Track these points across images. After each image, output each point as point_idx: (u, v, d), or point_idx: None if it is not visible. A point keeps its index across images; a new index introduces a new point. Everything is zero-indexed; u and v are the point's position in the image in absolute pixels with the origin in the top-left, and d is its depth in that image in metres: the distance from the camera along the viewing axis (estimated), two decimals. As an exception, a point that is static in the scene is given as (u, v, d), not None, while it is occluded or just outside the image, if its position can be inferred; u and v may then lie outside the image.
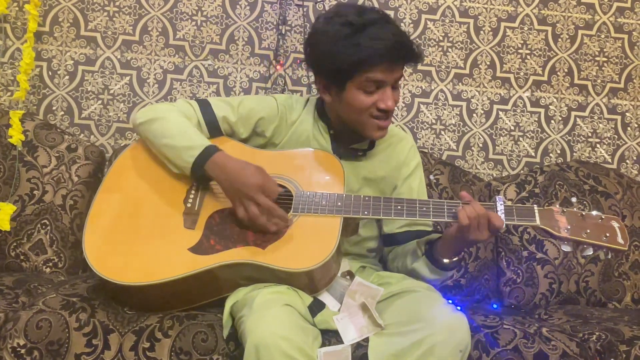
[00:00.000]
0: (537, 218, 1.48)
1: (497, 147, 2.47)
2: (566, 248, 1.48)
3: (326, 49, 1.52)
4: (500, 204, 1.49)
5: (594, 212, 1.49)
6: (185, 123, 1.57)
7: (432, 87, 2.44)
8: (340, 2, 2.34)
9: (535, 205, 1.50)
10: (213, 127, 1.63)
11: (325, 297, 1.51)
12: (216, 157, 1.51)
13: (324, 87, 1.59)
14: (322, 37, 1.54)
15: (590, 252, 1.46)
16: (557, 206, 1.51)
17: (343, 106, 1.57)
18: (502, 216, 1.47)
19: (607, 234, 1.45)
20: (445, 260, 1.55)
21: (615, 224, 1.47)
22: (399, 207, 1.52)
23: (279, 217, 1.48)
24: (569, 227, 1.46)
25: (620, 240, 1.45)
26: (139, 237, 1.50)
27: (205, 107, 1.63)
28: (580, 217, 1.48)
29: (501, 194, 2.22)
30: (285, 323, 1.32)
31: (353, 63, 1.49)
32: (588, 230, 1.46)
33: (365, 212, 1.51)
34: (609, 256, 1.48)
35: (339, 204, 1.52)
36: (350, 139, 1.65)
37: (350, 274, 1.58)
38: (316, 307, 1.47)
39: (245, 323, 1.34)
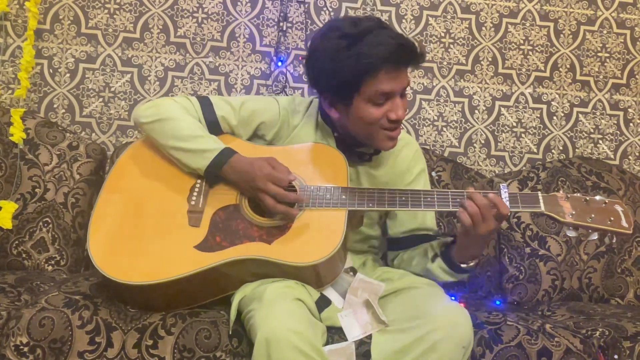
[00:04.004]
0: (542, 204, 1.48)
1: (499, 144, 2.46)
2: (571, 233, 1.48)
3: (328, 65, 1.48)
4: (505, 191, 1.49)
5: (597, 197, 1.50)
6: (195, 124, 1.56)
7: (434, 84, 2.44)
8: (332, 18, 2.33)
9: (539, 192, 1.51)
10: (214, 126, 1.61)
11: (329, 292, 1.51)
12: (232, 161, 1.51)
13: (330, 104, 1.56)
14: (321, 54, 1.50)
15: (595, 236, 1.46)
16: (561, 192, 1.52)
17: (352, 121, 1.54)
18: (507, 203, 1.47)
19: (612, 218, 1.45)
20: (463, 265, 1.54)
21: (619, 208, 1.47)
22: (403, 198, 1.51)
23: (287, 201, 1.48)
24: (573, 212, 1.47)
25: (624, 223, 1.45)
26: (144, 237, 1.49)
27: (206, 105, 1.61)
28: (585, 202, 1.48)
29: (503, 190, 2.22)
30: (296, 317, 1.32)
31: (357, 72, 1.46)
32: (593, 215, 1.46)
33: (370, 205, 1.51)
34: (613, 240, 1.47)
35: (344, 197, 1.51)
36: (356, 142, 1.62)
37: (353, 270, 1.57)
38: (323, 303, 1.47)
39: (255, 317, 1.34)
